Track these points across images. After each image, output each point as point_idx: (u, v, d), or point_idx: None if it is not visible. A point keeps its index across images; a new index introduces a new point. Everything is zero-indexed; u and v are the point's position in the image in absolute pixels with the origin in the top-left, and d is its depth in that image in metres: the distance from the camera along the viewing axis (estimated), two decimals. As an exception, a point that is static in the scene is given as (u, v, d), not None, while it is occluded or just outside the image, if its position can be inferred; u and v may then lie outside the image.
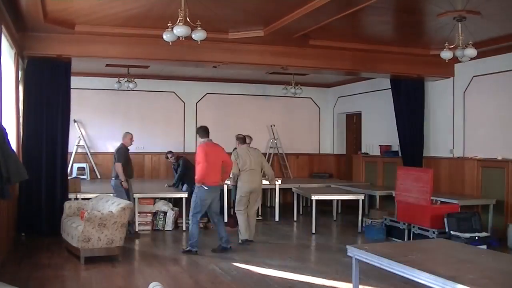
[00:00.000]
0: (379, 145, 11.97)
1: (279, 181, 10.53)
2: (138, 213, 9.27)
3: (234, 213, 10.53)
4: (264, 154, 13.47)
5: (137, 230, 8.94)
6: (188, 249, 7.41)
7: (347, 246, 4.51)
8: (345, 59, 9.57)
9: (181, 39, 6.22)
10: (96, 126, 12.46)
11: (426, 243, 5.00)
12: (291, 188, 11.12)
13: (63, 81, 8.64)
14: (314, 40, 8.75)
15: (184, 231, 9.11)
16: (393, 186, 9.58)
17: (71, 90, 8.81)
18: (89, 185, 10.58)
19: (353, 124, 13.93)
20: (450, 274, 3.46)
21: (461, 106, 9.87)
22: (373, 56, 9.58)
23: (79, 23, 7.89)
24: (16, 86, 7.97)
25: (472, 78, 9.57)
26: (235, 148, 8.82)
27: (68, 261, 6.83)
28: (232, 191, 9.30)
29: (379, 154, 11.96)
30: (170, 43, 6.37)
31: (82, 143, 12.21)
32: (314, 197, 9.32)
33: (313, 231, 9.16)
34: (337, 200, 10.34)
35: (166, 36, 6.24)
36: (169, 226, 9.41)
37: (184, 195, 9.49)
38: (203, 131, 7.67)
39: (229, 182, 9.21)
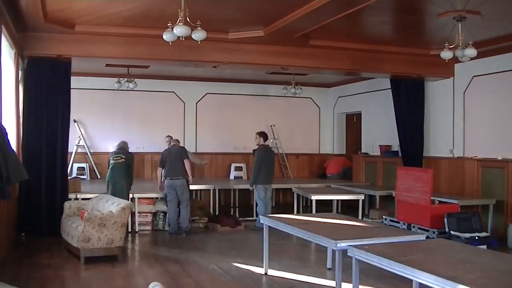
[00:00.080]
0: (379, 145, 11.97)
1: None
2: (138, 213, 9.29)
3: (234, 213, 10.58)
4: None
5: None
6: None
7: (347, 246, 4.51)
8: (345, 59, 9.58)
9: (181, 39, 6.22)
10: (96, 126, 12.46)
11: (426, 243, 5.00)
12: (291, 188, 11.12)
13: (63, 81, 8.64)
14: (314, 40, 8.75)
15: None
16: (393, 186, 9.59)
17: (72, 90, 8.81)
18: (89, 185, 10.58)
19: (353, 124, 13.93)
20: (450, 274, 3.46)
21: (461, 106, 9.87)
22: (373, 56, 9.58)
23: (79, 23, 7.89)
24: (16, 86, 7.98)
25: (472, 78, 9.57)
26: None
27: (68, 261, 6.83)
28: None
29: (379, 154, 11.96)
30: (170, 43, 6.37)
31: (82, 143, 12.22)
32: (314, 197, 9.32)
33: (313, 231, 9.14)
34: (337, 200, 10.33)
35: (166, 36, 6.24)
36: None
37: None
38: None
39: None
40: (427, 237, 6.09)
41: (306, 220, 5.97)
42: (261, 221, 6.88)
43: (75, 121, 12.06)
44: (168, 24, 6.17)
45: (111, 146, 12.40)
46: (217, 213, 10.37)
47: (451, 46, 7.20)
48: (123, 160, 9.09)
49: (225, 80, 13.08)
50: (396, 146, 11.16)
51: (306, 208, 11.76)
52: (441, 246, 4.78)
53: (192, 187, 11.26)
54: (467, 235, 7.59)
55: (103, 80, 12.17)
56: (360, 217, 9.44)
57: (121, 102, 12.53)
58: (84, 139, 12.25)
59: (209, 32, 6.39)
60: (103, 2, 6.83)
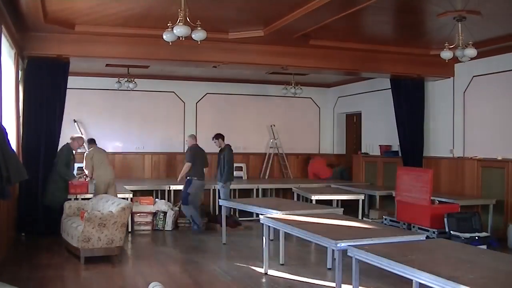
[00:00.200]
0: (379, 145, 11.97)
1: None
2: (138, 213, 9.29)
3: (234, 213, 10.59)
4: (264, 154, 13.58)
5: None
6: None
7: (347, 246, 4.51)
8: (345, 59, 9.57)
9: (181, 39, 6.22)
10: (96, 126, 12.44)
11: (426, 243, 5.00)
12: (291, 188, 11.12)
13: (62, 81, 8.64)
14: (314, 40, 8.75)
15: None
16: (393, 186, 9.58)
17: (72, 90, 8.81)
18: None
19: (353, 124, 13.93)
20: (450, 274, 3.46)
21: (461, 106, 9.87)
22: (373, 56, 9.58)
23: (79, 23, 7.89)
24: (16, 86, 7.97)
25: (472, 78, 9.57)
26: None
27: (68, 261, 6.83)
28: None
29: (379, 154, 11.96)
30: (170, 43, 6.36)
31: (82, 143, 12.20)
32: (314, 197, 9.32)
33: (313, 231, 9.14)
34: (337, 200, 10.33)
35: (166, 36, 6.24)
36: (169, 226, 9.42)
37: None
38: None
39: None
40: (427, 237, 6.10)
41: (306, 220, 5.99)
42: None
43: (75, 121, 12.06)
44: (168, 24, 6.17)
45: (111, 146, 12.44)
46: (217, 213, 10.37)
47: (451, 46, 7.20)
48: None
49: (225, 80, 13.07)
50: (396, 146, 11.15)
51: (306, 208, 11.75)
52: (441, 246, 4.78)
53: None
54: (467, 235, 7.59)
55: (103, 80, 12.15)
56: (360, 217, 9.44)
57: (121, 102, 12.52)
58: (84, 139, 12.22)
59: (209, 32, 6.39)
60: (103, 2, 6.82)
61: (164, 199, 10.20)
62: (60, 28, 7.78)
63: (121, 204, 6.96)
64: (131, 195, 9.12)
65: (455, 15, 6.94)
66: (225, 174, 9.69)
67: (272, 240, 7.94)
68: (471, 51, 7.10)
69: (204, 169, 9.58)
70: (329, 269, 6.55)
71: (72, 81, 8.84)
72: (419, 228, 8.11)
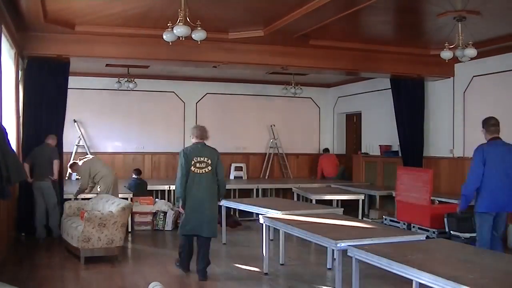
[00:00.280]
0: (379, 145, 11.97)
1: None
2: (138, 213, 9.29)
3: (234, 213, 10.57)
4: (264, 154, 13.59)
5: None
6: None
7: (347, 246, 4.51)
8: (345, 59, 9.57)
9: (181, 39, 6.22)
10: (96, 126, 12.45)
11: (426, 243, 5.00)
12: (291, 188, 11.12)
13: (63, 81, 8.64)
14: (314, 40, 8.75)
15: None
16: (393, 186, 9.58)
17: (72, 90, 8.81)
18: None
19: (353, 124, 13.93)
20: (450, 274, 3.46)
21: (461, 106, 9.87)
22: (373, 56, 9.58)
23: (79, 23, 7.89)
24: (16, 86, 7.97)
25: (472, 78, 9.57)
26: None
27: (68, 261, 6.83)
28: None
29: (379, 154, 11.96)
30: (170, 43, 6.37)
31: (82, 143, 12.21)
32: (314, 197, 9.32)
33: (313, 231, 9.14)
34: (337, 200, 10.33)
35: (166, 36, 6.24)
36: (169, 226, 9.42)
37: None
38: None
39: None
40: (427, 237, 6.10)
41: (306, 220, 5.99)
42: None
43: (75, 121, 12.07)
44: (168, 24, 6.17)
45: (111, 146, 12.46)
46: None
47: (451, 46, 7.20)
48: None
49: (225, 80, 13.07)
50: (396, 146, 11.15)
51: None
52: (441, 246, 4.79)
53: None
54: (467, 235, 7.58)
55: (103, 80, 12.16)
56: (360, 217, 9.43)
57: (121, 102, 12.52)
58: (84, 139, 12.24)
59: (209, 32, 6.39)
60: (103, 2, 6.83)
61: (164, 199, 10.20)
62: (60, 28, 7.78)
63: (121, 204, 6.96)
64: (131, 195, 9.13)
65: (455, 15, 6.94)
66: None
67: (272, 240, 7.95)
68: (471, 51, 7.10)
69: None
70: (329, 269, 6.55)
71: (72, 81, 8.84)
72: (419, 228, 8.11)
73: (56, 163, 8.24)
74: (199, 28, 6.19)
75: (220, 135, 13.29)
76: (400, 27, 8.35)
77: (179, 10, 6.00)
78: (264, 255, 6.37)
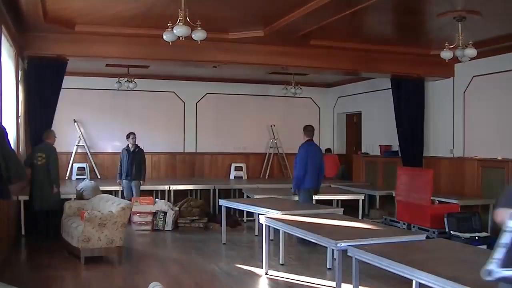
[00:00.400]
0: (379, 145, 11.97)
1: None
2: (138, 213, 9.29)
3: (234, 213, 10.57)
4: (264, 154, 13.59)
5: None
6: None
7: (347, 246, 4.51)
8: (345, 59, 9.58)
9: (181, 39, 6.22)
10: (96, 126, 12.46)
11: (426, 243, 5.00)
12: (291, 188, 11.09)
13: (61, 81, 8.64)
14: (314, 40, 8.75)
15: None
16: (393, 186, 9.58)
17: (72, 90, 8.81)
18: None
19: (353, 124, 13.93)
20: (450, 274, 3.46)
21: (461, 106, 9.87)
22: (373, 56, 9.58)
23: (79, 23, 7.89)
24: (16, 86, 7.97)
25: (472, 78, 9.57)
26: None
27: (68, 261, 6.83)
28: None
29: (379, 154, 11.96)
30: (170, 43, 6.37)
31: (82, 143, 12.21)
32: (314, 197, 9.30)
33: (313, 231, 9.14)
34: (337, 200, 10.32)
35: (166, 36, 6.24)
36: (169, 226, 9.41)
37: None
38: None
39: None
40: (427, 237, 6.11)
41: (306, 220, 5.99)
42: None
43: (75, 121, 12.08)
44: (168, 24, 6.18)
45: (111, 146, 12.44)
46: (217, 213, 10.38)
47: (451, 46, 7.20)
48: (44, 160, 8.03)
49: (225, 80, 13.07)
50: (396, 146, 11.16)
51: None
52: (441, 246, 4.79)
53: (192, 187, 11.32)
54: (467, 235, 7.59)
55: (103, 80, 12.16)
56: (360, 217, 9.43)
57: (121, 102, 12.52)
58: (84, 139, 12.25)
59: (209, 32, 6.40)
60: (103, 2, 6.83)
61: (164, 199, 10.20)
62: (60, 28, 7.78)
63: (121, 204, 6.95)
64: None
65: (455, 15, 6.94)
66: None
67: (272, 240, 7.95)
68: (471, 51, 7.10)
69: None
70: (329, 269, 6.54)
71: (72, 81, 8.85)
72: (419, 228, 8.11)
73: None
74: (199, 28, 6.19)
75: (220, 135, 13.35)
76: (400, 27, 8.35)
77: (179, 10, 6.00)
78: (264, 255, 6.38)
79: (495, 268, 2.20)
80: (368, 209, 10.82)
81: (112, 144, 12.50)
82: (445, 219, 7.75)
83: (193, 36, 6.19)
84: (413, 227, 8.30)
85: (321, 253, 7.10)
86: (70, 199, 8.51)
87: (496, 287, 2.40)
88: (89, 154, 12.27)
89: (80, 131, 12.20)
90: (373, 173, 12.18)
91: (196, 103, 13.28)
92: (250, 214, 10.77)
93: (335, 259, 5.34)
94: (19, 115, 8.27)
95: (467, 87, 9.72)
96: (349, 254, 4.39)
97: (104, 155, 12.40)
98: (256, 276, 6.31)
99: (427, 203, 8.09)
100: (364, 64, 9.80)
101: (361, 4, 6.47)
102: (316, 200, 9.30)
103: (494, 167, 8.98)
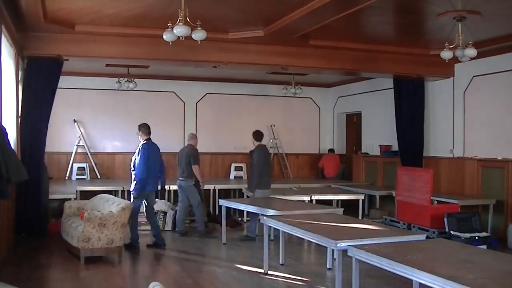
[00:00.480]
0: (379, 145, 11.97)
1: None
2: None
3: (234, 213, 10.58)
4: (264, 154, 13.56)
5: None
6: None
7: (347, 246, 4.51)
8: (345, 59, 9.57)
9: (181, 39, 6.22)
10: (96, 126, 12.45)
11: (426, 243, 5.00)
12: (291, 188, 11.10)
13: (57, 81, 8.64)
14: (314, 40, 8.75)
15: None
16: (393, 186, 9.59)
17: (72, 90, 8.80)
18: (89, 185, 10.57)
19: (353, 124, 13.93)
20: (450, 274, 3.46)
21: (461, 106, 9.87)
22: (373, 56, 9.58)
23: (79, 23, 7.89)
24: (16, 86, 7.97)
25: (472, 78, 9.57)
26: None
27: (68, 261, 6.83)
28: None
29: (379, 154, 11.96)
30: (170, 43, 6.36)
31: (82, 143, 12.21)
32: (314, 197, 9.32)
33: (313, 231, 9.14)
34: (337, 200, 10.33)
35: (166, 36, 6.24)
36: (169, 226, 9.42)
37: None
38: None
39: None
40: (427, 237, 6.10)
41: (306, 220, 5.99)
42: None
43: (75, 121, 12.07)
44: (168, 24, 6.17)
45: (110, 146, 12.45)
46: (217, 213, 10.37)
47: (451, 46, 7.20)
48: None
49: (225, 80, 13.07)
50: (396, 146, 11.15)
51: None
52: (441, 246, 4.79)
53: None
54: (467, 235, 7.59)
55: (103, 80, 12.16)
56: (360, 217, 9.43)
57: (121, 102, 12.52)
58: (84, 139, 12.24)
59: (209, 32, 6.39)
60: (103, 2, 6.82)
61: (164, 199, 10.20)
62: (60, 28, 7.78)
63: (121, 204, 6.96)
64: (131, 195, 9.11)
65: (455, 15, 6.94)
66: (251, 180, 8.84)
67: (272, 240, 7.95)
68: (471, 51, 7.10)
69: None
70: (329, 269, 6.55)
71: (72, 81, 8.85)
72: (419, 228, 8.11)
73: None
74: (199, 28, 6.18)
75: (220, 135, 13.35)
76: (400, 27, 8.35)
77: (179, 10, 6.00)
78: (264, 255, 6.38)
79: None
80: (368, 209, 10.83)
81: (112, 144, 12.50)
82: (445, 219, 7.75)
83: (193, 36, 6.19)
84: (413, 227, 8.30)
85: (321, 253, 7.10)
86: (70, 199, 8.50)
87: (495, 287, 2.41)
88: (89, 154, 12.26)
89: (80, 131, 12.20)
90: (373, 173, 12.18)
91: (196, 103, 13.28)
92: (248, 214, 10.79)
93: (335, 259, 5.35)
94: (19, 115, 8.26)
95: (467, 87, 9.72)
96: (349, 254, 4.39)
97: (104, 155, 12.40)
98: (256, 276, 6.31)
99: (427, 203, 8.09)
100: (364, 64, 9.80)
101: (361, 4, 6.47)
102: (316, 200, 9.33)
103: (494, 167, 8.98)
